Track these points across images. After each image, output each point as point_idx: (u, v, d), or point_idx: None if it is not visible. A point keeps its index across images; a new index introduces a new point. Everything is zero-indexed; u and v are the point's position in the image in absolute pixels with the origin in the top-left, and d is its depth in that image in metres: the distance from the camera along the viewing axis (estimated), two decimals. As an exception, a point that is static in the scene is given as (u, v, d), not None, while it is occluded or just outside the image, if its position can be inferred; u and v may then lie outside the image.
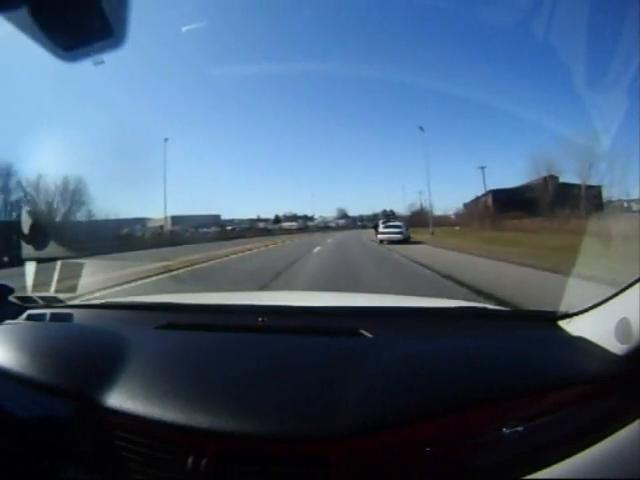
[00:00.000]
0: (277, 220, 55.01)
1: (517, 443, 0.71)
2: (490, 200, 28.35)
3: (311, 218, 61.76)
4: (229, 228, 42.45)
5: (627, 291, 0.85)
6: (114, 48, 0.60)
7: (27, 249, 6.15)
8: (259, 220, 54.16)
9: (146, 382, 0.89)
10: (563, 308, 1.08)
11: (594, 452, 0.68)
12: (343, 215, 67.18)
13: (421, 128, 25.46)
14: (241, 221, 47.09)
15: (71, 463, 0.83)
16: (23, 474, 0.82)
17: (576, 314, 1.02)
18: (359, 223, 63.60)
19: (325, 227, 56.65)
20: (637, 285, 0.82)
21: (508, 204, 22.21)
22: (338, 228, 56.86)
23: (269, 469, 0.72)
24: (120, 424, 0.81)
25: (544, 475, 0.67)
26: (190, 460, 0.73)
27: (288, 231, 46.69)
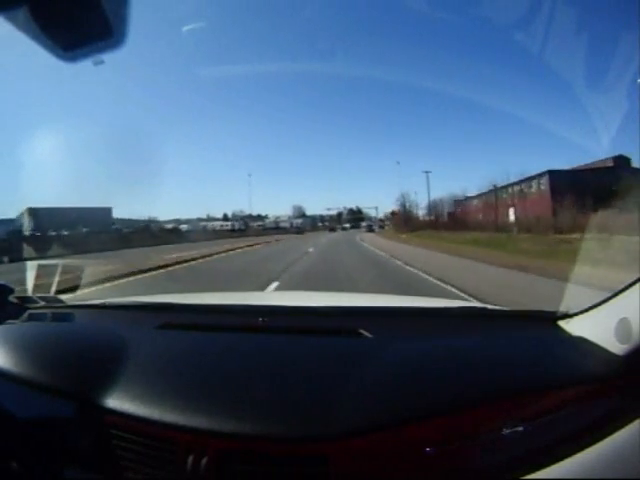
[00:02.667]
0: (225, 219, 48.40)
1: (517, 443, 0.71)
2: (547, 185, 17.76)
3: (262, 217, 51.61)
4: (115, 227, 32.01)
5: (627, 291, 0.85)
6: (114, 48, 0.59)
7: None
8: (209, 219, 46.15)
9: (146, 382, 0.89)
10: (563, 308, 1.09)
11: (594, 452, 0.68)
12: (300, 214, 56.52)
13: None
14: (154, 221, 36.73)
15: (71, 463, 0.83)
16: (23, 474, 0.82)
17: (576, 314, 1.02)
18: (320, 224, 54.19)
19: (276, 227, 46.43)
20: (637, 285, 0.82)
21: (569, 192, 14.45)
22: (293, 230, 45.19)
23: (269, 469, 0.72)
24: (120, 424, 0.82)
25: (544, 475, 0.67)
26: (190, 460, 0.73)
27: (216, 234, 35.14)
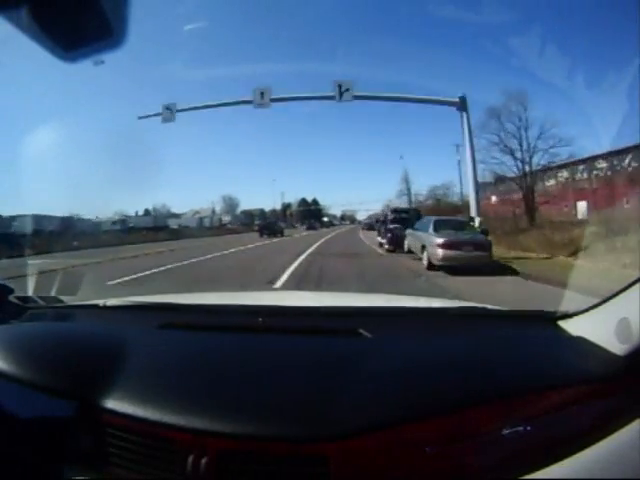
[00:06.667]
0: (129, 225, 34.20)
1: (517, 443, 0.71)
2: None
3: (174, 216, 36.18)
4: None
5: (627, 291, 0.85)
6: (114, 48, 0.60)
7: None
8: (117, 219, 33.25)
9: (146, 382, 0.89)
10: (563, 308, 1.09)
11: (594, 452, 0.68)
12: (238, 210, 40.14)
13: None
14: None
15: (71, 463, 0.83)
16: (23, 474, 0.82)
17: (576, 314, 1.02)
18: (257, 222, 36.92)
19: (153, 228, 28.85)
20: (637, 285, 0.82)
21: None
22: (211, 231, 30.56)
23: (269, 469, 0.72)
24: (120, 424, 0.81)
25: (544, 475, 0.67)
26: (190, 460, 0.73)
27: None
